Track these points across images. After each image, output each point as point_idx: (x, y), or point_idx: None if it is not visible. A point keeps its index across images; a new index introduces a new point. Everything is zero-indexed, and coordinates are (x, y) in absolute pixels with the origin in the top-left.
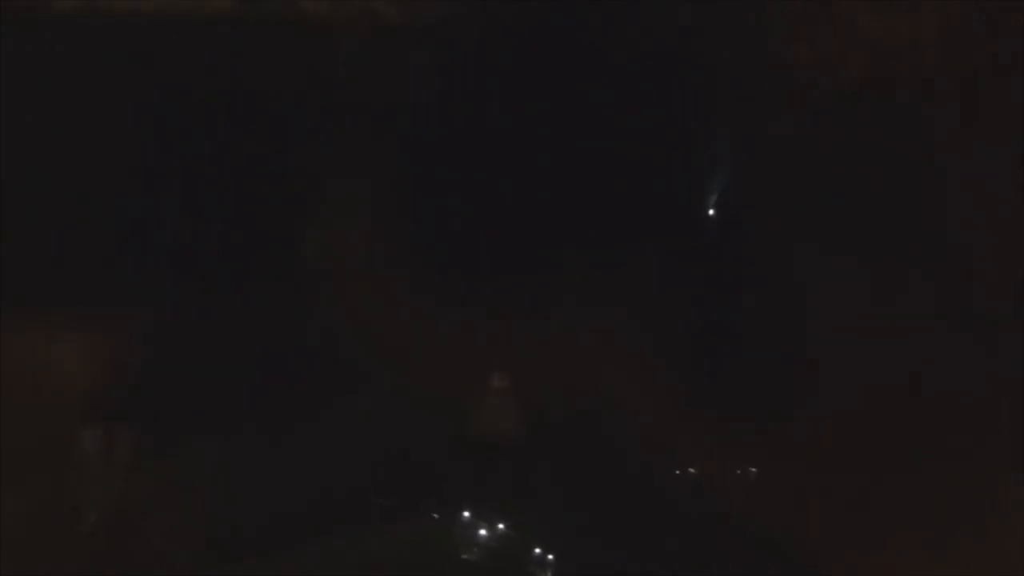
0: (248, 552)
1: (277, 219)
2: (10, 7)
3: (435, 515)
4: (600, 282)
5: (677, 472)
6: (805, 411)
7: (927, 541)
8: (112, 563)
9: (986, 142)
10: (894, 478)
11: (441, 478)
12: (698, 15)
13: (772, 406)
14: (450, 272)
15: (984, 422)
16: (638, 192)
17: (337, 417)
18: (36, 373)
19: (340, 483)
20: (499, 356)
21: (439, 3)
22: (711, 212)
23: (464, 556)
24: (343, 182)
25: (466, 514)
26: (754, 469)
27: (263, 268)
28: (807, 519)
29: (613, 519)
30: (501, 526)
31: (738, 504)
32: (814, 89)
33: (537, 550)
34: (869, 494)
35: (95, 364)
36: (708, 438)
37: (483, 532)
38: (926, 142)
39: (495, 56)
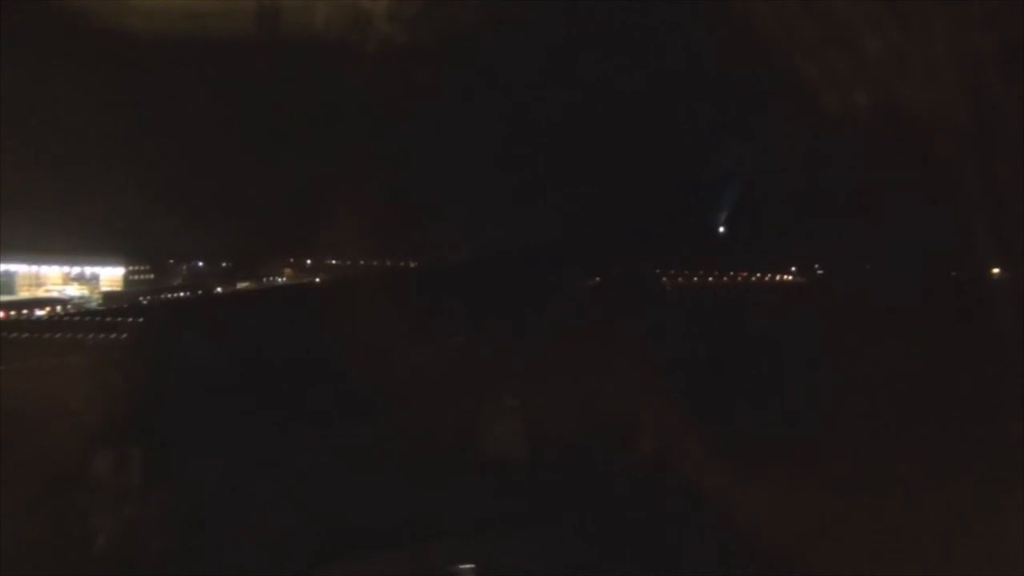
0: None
1: (281, 226)
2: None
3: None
4: (612, 307)
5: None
6: (807, 424)
7: (930, 548)
8: None
9: (1002, 166)
10: (898, 486)
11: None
12: (706, 32)
13: (775, 416)
14: (457, 303)
15: (987, 430)
16: (642, 204)
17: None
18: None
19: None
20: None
21: (440, 23)
22: (721, 230)
23: None
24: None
25: None
26: (760, 479)
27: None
28: (813, 529)
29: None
30: None
31: (745, 516)
32: (824, 110)
33: None
34: (874, 503)
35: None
36: (713, 451)
37: None
38: (940, 165)
39: (495, 75)
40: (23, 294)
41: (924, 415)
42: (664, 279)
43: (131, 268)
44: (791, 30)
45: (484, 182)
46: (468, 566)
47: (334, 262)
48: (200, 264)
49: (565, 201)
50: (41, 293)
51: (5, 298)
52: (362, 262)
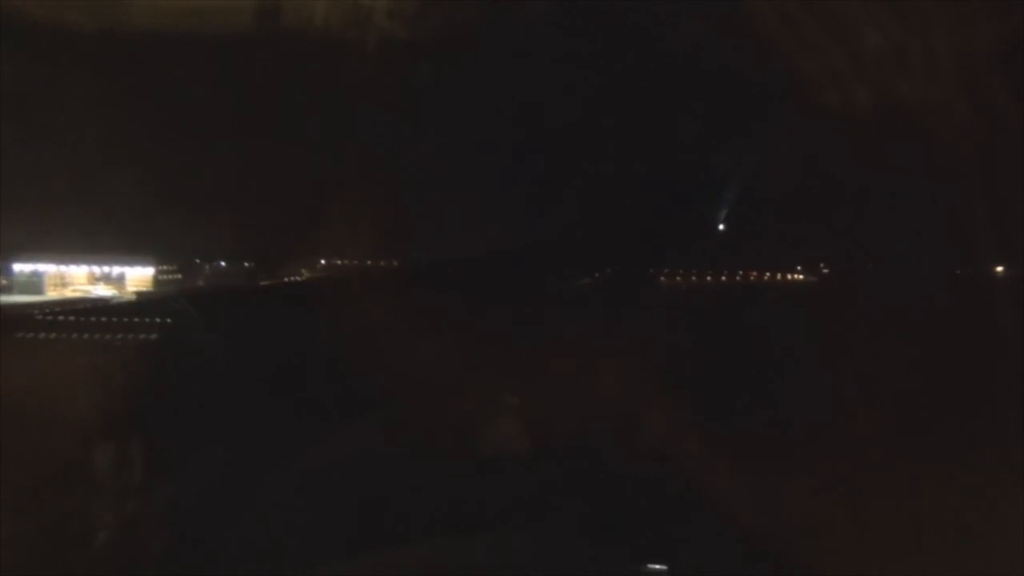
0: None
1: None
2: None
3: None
4: (609, 304)
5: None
6: (808, 422)
7: (931, 546)
8: None
9: (1001, 163)
10: (899, 486)
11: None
12: (708, 30)
13: (775, 416)
14: (459, 300)
15: (987, 429)
16: (642, 202)
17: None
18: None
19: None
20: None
21: (440, 20)
22: (720, 227)
23: None
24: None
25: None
26: (762, 480)
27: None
28: (813, 528)
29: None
30: None
31: (745, 514)
32: (825, 108)
33: None
34: (873, 502)
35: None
36: (714, 451)
37: None
38: (942, 163)
39: (495, 73)
40: (51, 294)
41: (927, 415)
42: (667, 278)
43: (160, 268)
44: (794, 27)
45: (484, 180)
46: (660, 567)
47: (343, 263)
48: (223, 264)
49: (565, 199)
50: (68, 294)
51: (37, 299)
52: (368, 262)
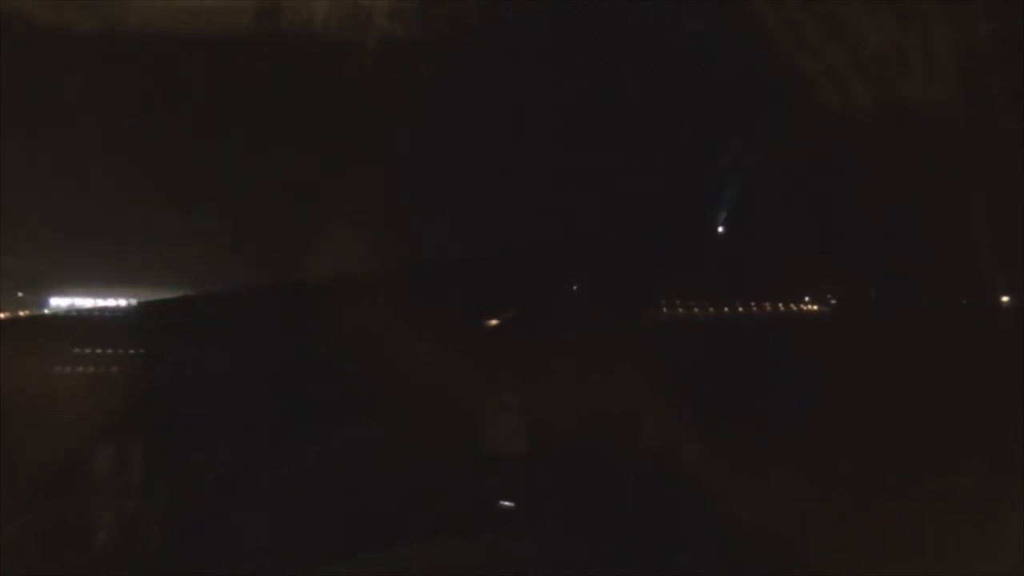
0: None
1: (273, 227)
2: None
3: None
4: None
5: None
6: (808, 422)
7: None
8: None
9: (1000, 163)
10: (898, 487)
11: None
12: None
13: (775, 417)
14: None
15: (987, 430)
16: (642, 202)
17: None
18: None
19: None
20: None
21: (440, 19)
22: (720, 228)
23: None
24: (349, 190)
25: None
26: (761, 481)
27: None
28: (814, 529)
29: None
30: None
31: (746, 517)
32: (822, 104)
33: None
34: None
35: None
36: (715, 452)
37: None
38: (938, 161)
39: (493, 73)
40: None
41: (928, 417)
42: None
43: None
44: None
45: (483, 180)
46: None
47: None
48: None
49: (566, 199)
50: None
51: None
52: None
